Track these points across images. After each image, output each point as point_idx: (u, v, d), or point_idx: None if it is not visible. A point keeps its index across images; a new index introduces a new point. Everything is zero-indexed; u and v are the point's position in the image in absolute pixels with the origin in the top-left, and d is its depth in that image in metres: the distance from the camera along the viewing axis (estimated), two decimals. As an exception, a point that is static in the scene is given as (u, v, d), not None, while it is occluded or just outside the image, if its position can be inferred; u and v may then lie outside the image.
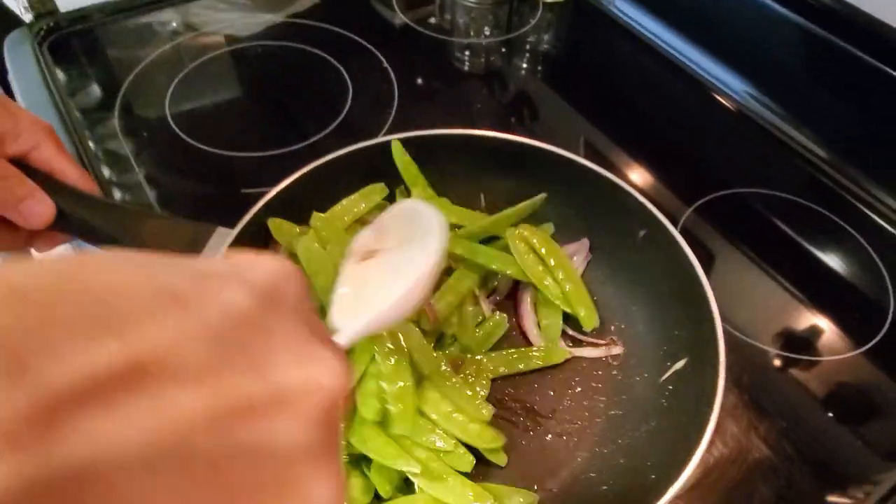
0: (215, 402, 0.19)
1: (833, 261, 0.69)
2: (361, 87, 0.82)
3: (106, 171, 0.71)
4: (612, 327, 0.60)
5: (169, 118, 0.77)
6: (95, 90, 0.81)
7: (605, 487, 0.49)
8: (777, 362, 0.60)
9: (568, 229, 0.62)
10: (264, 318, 0.22)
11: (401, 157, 0.60)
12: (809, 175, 0.77)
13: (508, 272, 0.58)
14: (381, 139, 0.59)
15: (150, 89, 0.80)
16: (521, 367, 0.56)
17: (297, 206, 0.57)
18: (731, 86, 0.85)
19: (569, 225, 0.62)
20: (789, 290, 0.66)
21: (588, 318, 0.57)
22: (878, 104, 0.73)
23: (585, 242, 0.62)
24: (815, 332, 0.63)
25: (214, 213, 0.67)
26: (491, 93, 0.87)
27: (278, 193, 0.55)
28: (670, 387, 0.52)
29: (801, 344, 0.62)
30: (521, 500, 0.48)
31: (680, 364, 0.52)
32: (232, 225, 0.51)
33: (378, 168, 0.60)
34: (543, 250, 0.58)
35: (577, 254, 0.62)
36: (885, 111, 0.73)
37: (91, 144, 0.73)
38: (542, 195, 0.61)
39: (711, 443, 0.44)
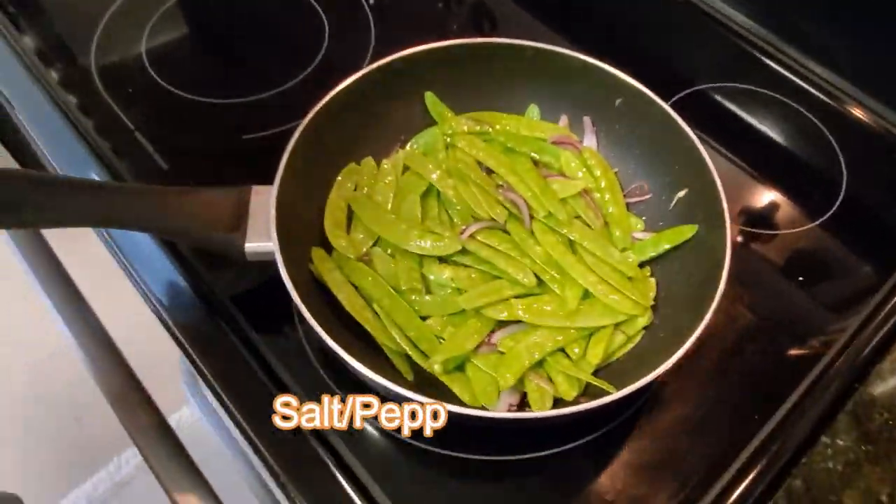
0: None
1: (790, 143, 0.76)
2: (336, 19, 0.82)
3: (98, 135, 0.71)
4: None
5: (149, 69, 0.76)
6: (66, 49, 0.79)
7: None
8: (751, 240, 0.69)
9: (550, 108, 0.69)
10: None
11: (435, 108, 0.67)
12: (764, 64, 0.83)
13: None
14: (385, 60, 0.63)
15: (122, 38, 0.79)
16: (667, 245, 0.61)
17: (325, 140, 0.60)
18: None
19: (550, 105, 0.69)
20: (755, 177, 0.73)
21: (623, 238, 0.62)
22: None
23: (588, 121, 0.68)
24: (779, 210, 0.71)
25: (223, 163, 0.70)
26: (454, 5, 0.88)
27: (305, 128, 0.57)
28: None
29: (769, 222, 0.70)
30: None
31: (682, 193, 0.62)
32: (265, 178, 0.54)
33: (391, 88, 0.64)
34: (598, 172, 0.64)
35: (587, 134, 0.68)
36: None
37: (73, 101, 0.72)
38: (534, 107, 0.69)
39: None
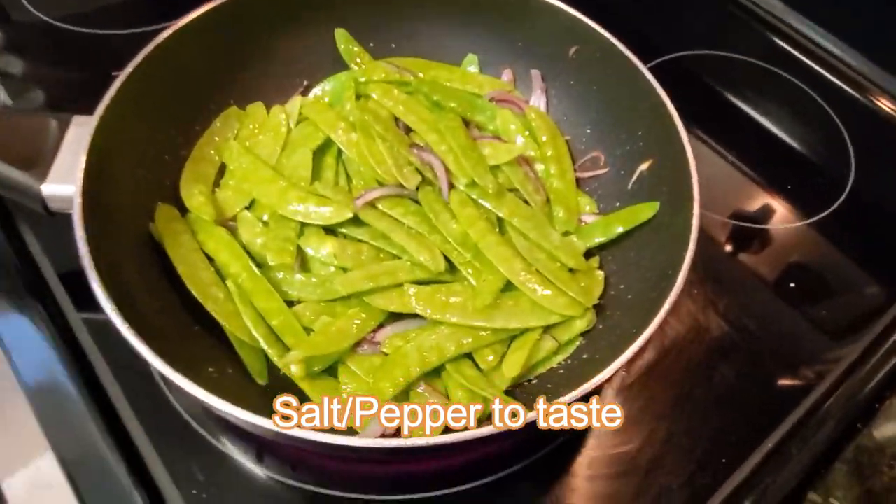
0: None
1: (792, 127, 0.63)
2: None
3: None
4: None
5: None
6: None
7: None
8: (733, 234, 0.55)
9: (492, 60, 0.57)
10: None
11: (347, 48, 0.55)
12: (763, 35, 0.70)
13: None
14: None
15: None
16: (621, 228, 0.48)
17: (191, 71, 0.48)
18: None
19: (492, 56, 0.57)
20: (749, 160, 0.60)
21: (567, 220, 0.49)
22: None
23: (536, 74, 0.56)
24: (772, 201, 0.58)
25: (78, 100, 0.56)
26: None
27: (155, 49, 0.45)
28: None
29: (756, 215, 0.57)
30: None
31: (645, 165, 0.49)
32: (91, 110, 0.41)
33: (291, 20, 0.53)
34: (545, 137, 0.52)
35: (535, 92, 0.55)
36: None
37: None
38: (473, 57, 0.57)
39: (666, 322, 0.39)
